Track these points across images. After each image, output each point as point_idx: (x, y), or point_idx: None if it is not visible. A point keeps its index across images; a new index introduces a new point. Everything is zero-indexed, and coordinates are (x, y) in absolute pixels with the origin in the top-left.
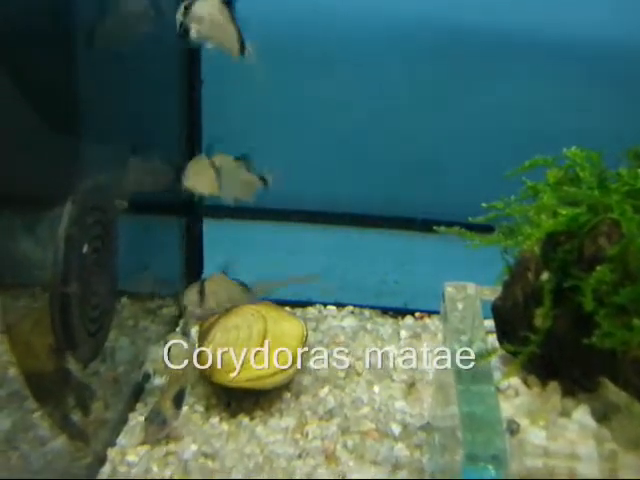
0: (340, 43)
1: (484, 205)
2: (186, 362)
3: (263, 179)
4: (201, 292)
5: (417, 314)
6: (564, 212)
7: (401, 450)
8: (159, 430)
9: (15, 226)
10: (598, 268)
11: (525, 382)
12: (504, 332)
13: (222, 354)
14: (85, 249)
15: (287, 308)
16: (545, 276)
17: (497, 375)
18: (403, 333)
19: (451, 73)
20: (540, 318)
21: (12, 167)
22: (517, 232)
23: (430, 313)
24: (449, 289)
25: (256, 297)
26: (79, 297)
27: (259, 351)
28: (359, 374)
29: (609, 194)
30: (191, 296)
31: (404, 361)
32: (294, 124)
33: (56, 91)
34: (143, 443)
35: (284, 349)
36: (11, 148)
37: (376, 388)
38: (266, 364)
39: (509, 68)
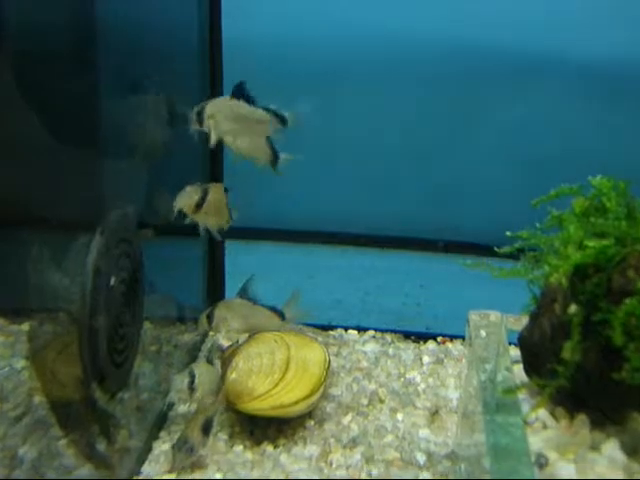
0: (358, 65)
1: (509, 234)
2: (213, 390)
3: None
4: (209, 317)
5: (440, 338)
6: (592, 244)
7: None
8: (186, 458)
9: (43, 254)
10: (627, 301)
11: (553, 414)
12: (531, 363)
13: (245, 382)
14: (112, 281)
15: (308, 333)
16: (573, 309)
17: (524, 406)
18: (426, 358)
19: (471, 94)
20: (568, 351)
21: (39, 193)
22: (543, 262)
23: (452, 337)
24: (474, 317)
25: (292, 322)
26: (106, 330)
27: (282, 378)
28: (382, 401)
29: (637, 225)
30: (201, 322)
31: (427, 388)
32: (314, 146)
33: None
34: (170, 471)
35: (307, 376)
36: (36, 174)
37: (399, 415)
38: (290, 392)
39: (530, 89)
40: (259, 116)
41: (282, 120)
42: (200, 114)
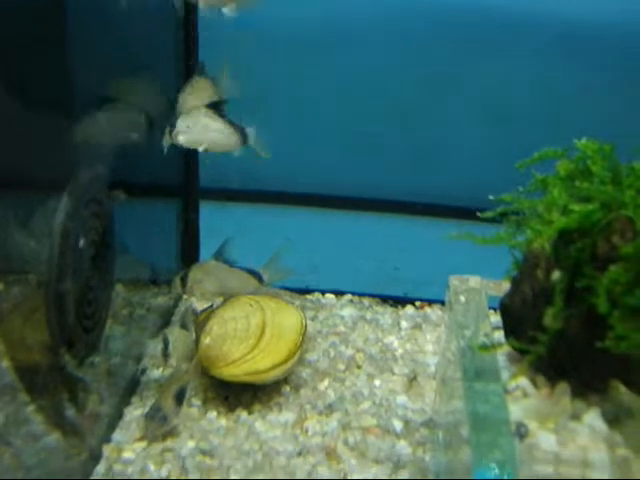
0: (338, 27)
1: (492, 197)
2: (187, 355)
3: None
4: (183, 281)
5: (418, 303)
6: (576, 209)
7: (404, 448)
8: (159, 427)
9: (9, 216)
10: (612, 267)
11: (533, 382)
12: (512, 330)
13: (219, 347)
14: (81, 243)
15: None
16: (556, 275)
17: (504, 374)
18: (404, 323)
19: (454, 55)
20: (550, 318)
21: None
22: (525, 227)
23: (431, 302)
24: (454, 282)
25: (270, 284)
26: (75, 294)
27: (258, 343)
28: (359, 367)
29: (623, 190)
30: (175, 285)
31: (405, 353)
32: (293, 107)
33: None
34: (142, 439)
35: (283, 342)
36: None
37: (377, 382)
38: (265, 358)
39: (513, 49)
40: (228, 133)
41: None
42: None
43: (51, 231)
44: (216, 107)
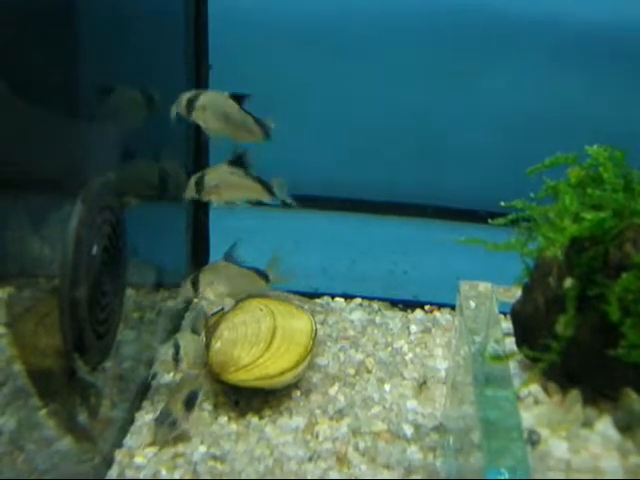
0: (342, 27)
1: (503, 204)
2: (198, 360)
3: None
4: (194, 283)
5: (427, 307)
6: (589, 217)
7: (414, 453)
8: (169, 432)
9: (23, 221)
10: (624, 276)
11: (545, 389)
12: (523, 337)
13: (230, 351)
14: (94, 250)
15: (294, 300)
16: (569, 283)
17: (516, 381)
18: (413, 327)
19: (460, 56)
20: (562, 325)
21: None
22: (537, 234)
23: (440, 306)
24: (464, 287)
25: (276, 284)
26: (88, 300)
27: (268, 348)
28: (369, 371)
29: (635, 197)
30: (186, 287)
31: (415, 357)
32: (296, 108)
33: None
34: (153, 444)
35: (294, 346)
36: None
37: (387, 386)
38: (275, 362)
39: (521, 51)
40: (248, 125)
41: (266, 135)
42: (192, 102)
43: (65, 238)
44: None
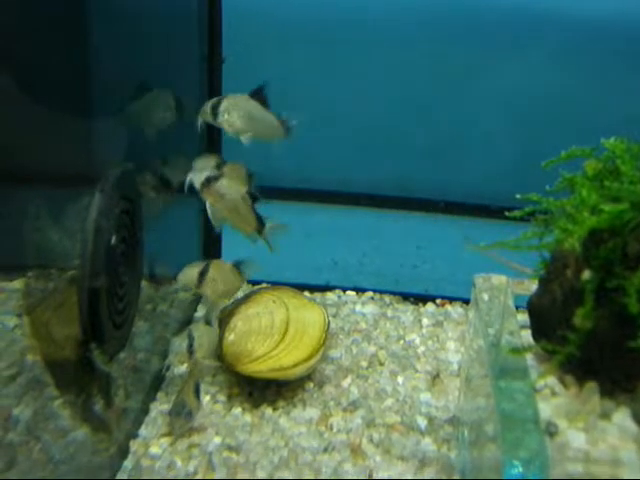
0: (355, 21)
1: (519, 196)
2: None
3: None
4: (202, 275)
5: (439, 301)
6: (607, 209)
7: (428, 445)
8: (186, 423)
9: (41, 212)
10: None
11: (562, 381)
12: (540, 329)
13: (244, 343)
14: (113, 240)
15: (306, 293)
16: (587, 275)
17: (532, 373)
18: (425, 321)
19: (472, 51)
20: (580, 318)
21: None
22: (554, 227)
23: (452, 300)
24: (478, 280)
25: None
26: (107, 290)
27: (282, 340)
28: (382, 364)
29: None
30: (189, 275)
31: (427, 350)
32: (309, 104)
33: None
34: (167, 435)
35: (307, 338)
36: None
37: (400, 379)
38: (289, 354)
39: (531, 44)
40: (270, 122)
41: (287, 131)
42: (215, 108)
43: (84, 228)
44: None
